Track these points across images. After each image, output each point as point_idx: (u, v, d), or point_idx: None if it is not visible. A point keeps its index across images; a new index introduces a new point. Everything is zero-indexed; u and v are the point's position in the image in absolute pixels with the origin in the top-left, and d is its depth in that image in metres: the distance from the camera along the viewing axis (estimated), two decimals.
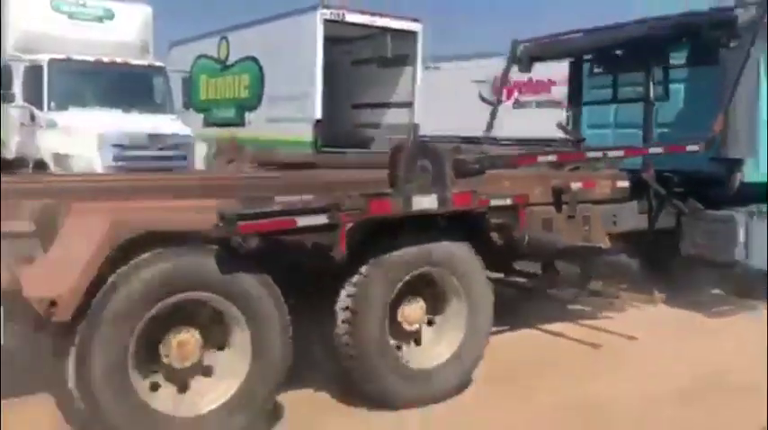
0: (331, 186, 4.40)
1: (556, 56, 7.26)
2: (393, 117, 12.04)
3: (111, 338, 3.03)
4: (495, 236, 4.31)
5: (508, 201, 4.31)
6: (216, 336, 3.41)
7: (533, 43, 7.17)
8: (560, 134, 7.19)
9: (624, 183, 5.84)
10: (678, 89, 6.27)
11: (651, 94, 6.13)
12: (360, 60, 12.63)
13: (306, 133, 10.89)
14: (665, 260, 6.58)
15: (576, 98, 7.26)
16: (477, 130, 7.78)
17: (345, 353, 3.74)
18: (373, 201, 3.63)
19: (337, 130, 11.90)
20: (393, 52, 11.59)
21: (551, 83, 13.01)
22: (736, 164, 5.82)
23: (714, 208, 5.98)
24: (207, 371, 3.40)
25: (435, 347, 4.10)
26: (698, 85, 6.16)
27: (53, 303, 2.86)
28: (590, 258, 5.60)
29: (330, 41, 11.07)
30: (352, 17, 11.15)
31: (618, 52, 6.52)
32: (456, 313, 4.11)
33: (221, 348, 3.43)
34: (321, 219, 3.43)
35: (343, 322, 3.70)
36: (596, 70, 6.86)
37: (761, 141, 5.86)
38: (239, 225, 3.16)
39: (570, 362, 4.92)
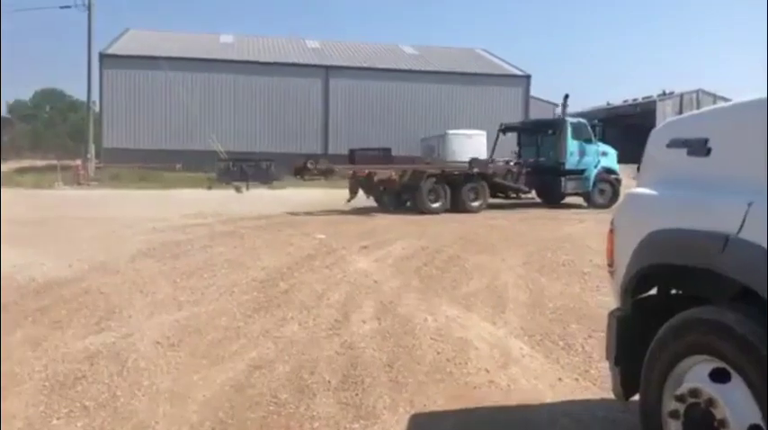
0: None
1: (512, 130, 22.10)
2: None
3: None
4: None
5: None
6: None
7: (506, 124, 22.05)
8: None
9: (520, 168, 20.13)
10: (546, 141, 20.73)
11: (539, 143, 20.71)
12: None
13: None
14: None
15: (521, 143, 21.89)
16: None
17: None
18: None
19: None
20: None
21: None
22: (562, 163, 20.16)
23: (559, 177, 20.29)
24: None
25: (477, 202, 18.29)
26: (551, 140, 20.58)
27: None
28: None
29: None
30: None
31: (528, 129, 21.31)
32: (483, 196, 18.36)
33: None
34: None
35: (470, 189, 18.08)
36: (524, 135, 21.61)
37: (567, 157, 20.17)
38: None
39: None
